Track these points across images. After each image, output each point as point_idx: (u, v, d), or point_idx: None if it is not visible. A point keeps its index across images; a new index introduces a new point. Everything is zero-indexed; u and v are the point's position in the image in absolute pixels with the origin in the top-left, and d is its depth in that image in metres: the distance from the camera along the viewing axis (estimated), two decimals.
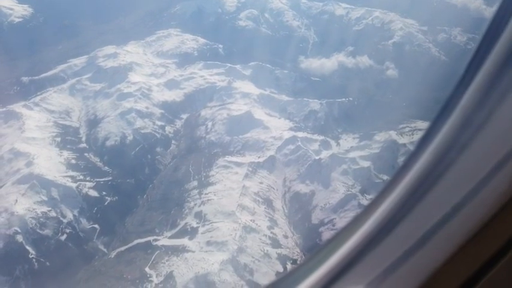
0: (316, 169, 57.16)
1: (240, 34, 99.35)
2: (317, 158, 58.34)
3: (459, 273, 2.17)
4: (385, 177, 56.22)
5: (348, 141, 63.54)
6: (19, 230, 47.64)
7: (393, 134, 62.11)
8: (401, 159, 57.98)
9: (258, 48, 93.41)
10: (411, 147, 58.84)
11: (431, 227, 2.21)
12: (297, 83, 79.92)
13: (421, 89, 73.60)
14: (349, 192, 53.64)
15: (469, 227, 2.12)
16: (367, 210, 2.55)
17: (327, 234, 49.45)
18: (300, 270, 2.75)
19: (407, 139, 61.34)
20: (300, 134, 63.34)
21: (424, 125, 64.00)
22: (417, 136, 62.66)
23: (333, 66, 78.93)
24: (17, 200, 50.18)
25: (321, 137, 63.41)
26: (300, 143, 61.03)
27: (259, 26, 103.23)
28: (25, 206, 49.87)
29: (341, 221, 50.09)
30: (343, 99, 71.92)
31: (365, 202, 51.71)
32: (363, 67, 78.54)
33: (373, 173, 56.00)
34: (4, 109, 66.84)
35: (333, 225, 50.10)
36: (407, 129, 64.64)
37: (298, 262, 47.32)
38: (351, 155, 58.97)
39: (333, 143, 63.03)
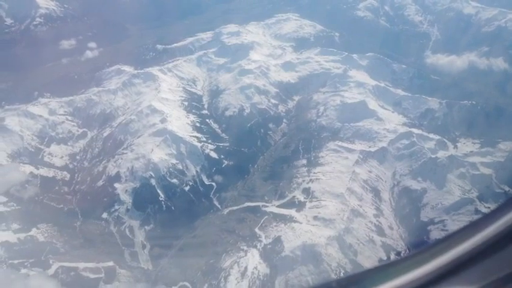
0: (431, 168, 55.62)
1: (358, 24, 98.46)
2: (433, 156, 56.61)
3: None
4: (507, 189, 52.73)
5: (467, 145, 60.36)
6: (153, 175, 55.03)
7: None
8: None
9: (375, 40, 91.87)
10: None
11: None
12: (415, 79, 77.33)
13: None
14: (465, 196, 51.46)
15: None
16: (487, 219, 2.52)
17: (435, 234, 48.43)
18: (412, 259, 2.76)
19: None
20: (416, 131, 61.78)
21: None
22: None
23: (463, 66, 74.35)
24: (152, 150, 57.73)
25: (437, 137, 61.06)
26: (415, 139, 59.67)
27: (378, 18, 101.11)
28: (159, 155, 57.17)
29: (453, 224, 48.56)
30: (466, 101, 67.88)
31: (483, 209, 49.31)
32: (497, 70, 72.68)
33: (494, 182, 52.81)
34: (143, 71, 76.10)
35: (444, 226, 48.80)
36: None
37: (402, 255, 47.33)
38: (471, 159, 56.09)
39: (449, 144, 60.41)
